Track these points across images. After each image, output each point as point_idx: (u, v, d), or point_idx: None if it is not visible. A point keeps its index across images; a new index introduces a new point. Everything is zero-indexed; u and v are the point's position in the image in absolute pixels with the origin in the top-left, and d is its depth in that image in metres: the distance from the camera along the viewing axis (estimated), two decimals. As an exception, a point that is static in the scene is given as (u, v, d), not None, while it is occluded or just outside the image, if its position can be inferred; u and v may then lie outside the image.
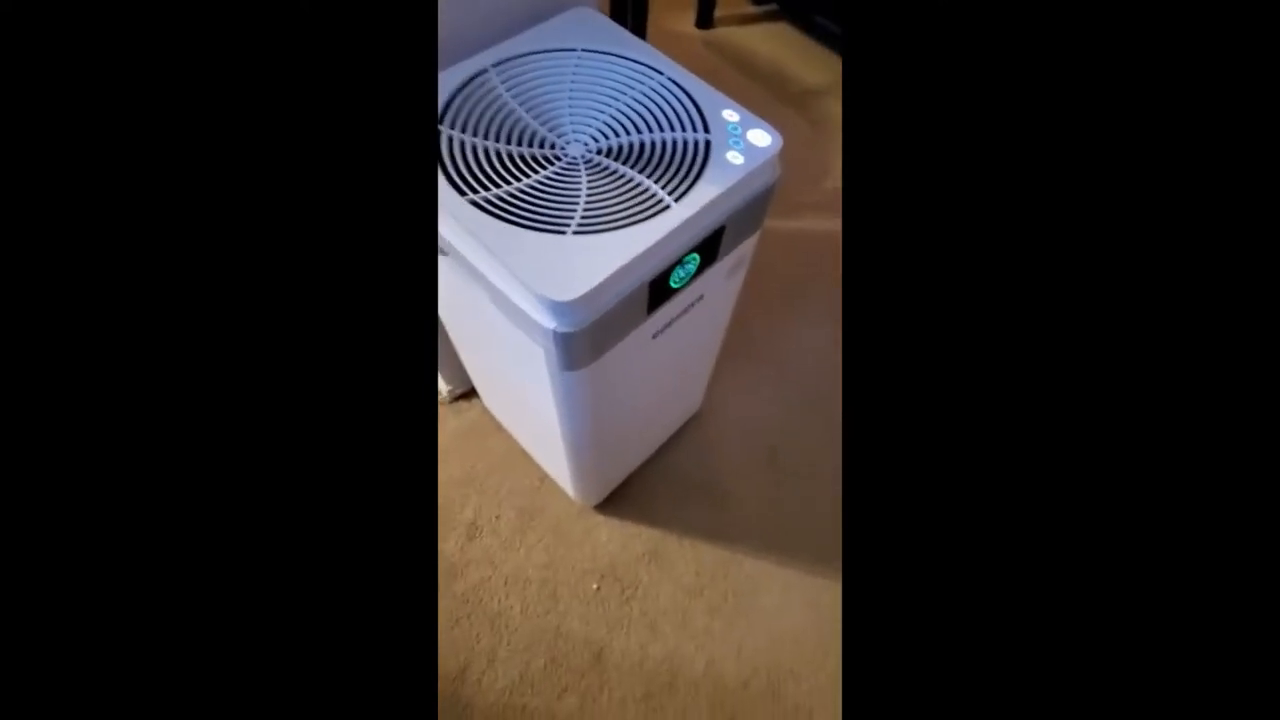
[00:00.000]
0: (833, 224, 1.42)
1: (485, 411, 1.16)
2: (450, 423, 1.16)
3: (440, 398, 1.17)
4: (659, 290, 0.59)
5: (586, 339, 0.55)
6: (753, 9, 1.88)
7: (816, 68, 1.70)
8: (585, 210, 0.55)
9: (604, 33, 0.69)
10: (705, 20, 1.80)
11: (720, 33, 1.82)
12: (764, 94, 1.65)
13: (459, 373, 1.08)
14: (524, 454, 1.12)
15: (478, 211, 0.54)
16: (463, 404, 1.18)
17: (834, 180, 1.48)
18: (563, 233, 0.53)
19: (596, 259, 0.52)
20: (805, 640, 0.98)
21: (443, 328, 0.92)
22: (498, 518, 1.07)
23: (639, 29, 1.36)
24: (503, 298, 0.56)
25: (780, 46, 1.76)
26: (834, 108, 1.60)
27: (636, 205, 0.55)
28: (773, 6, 1.87)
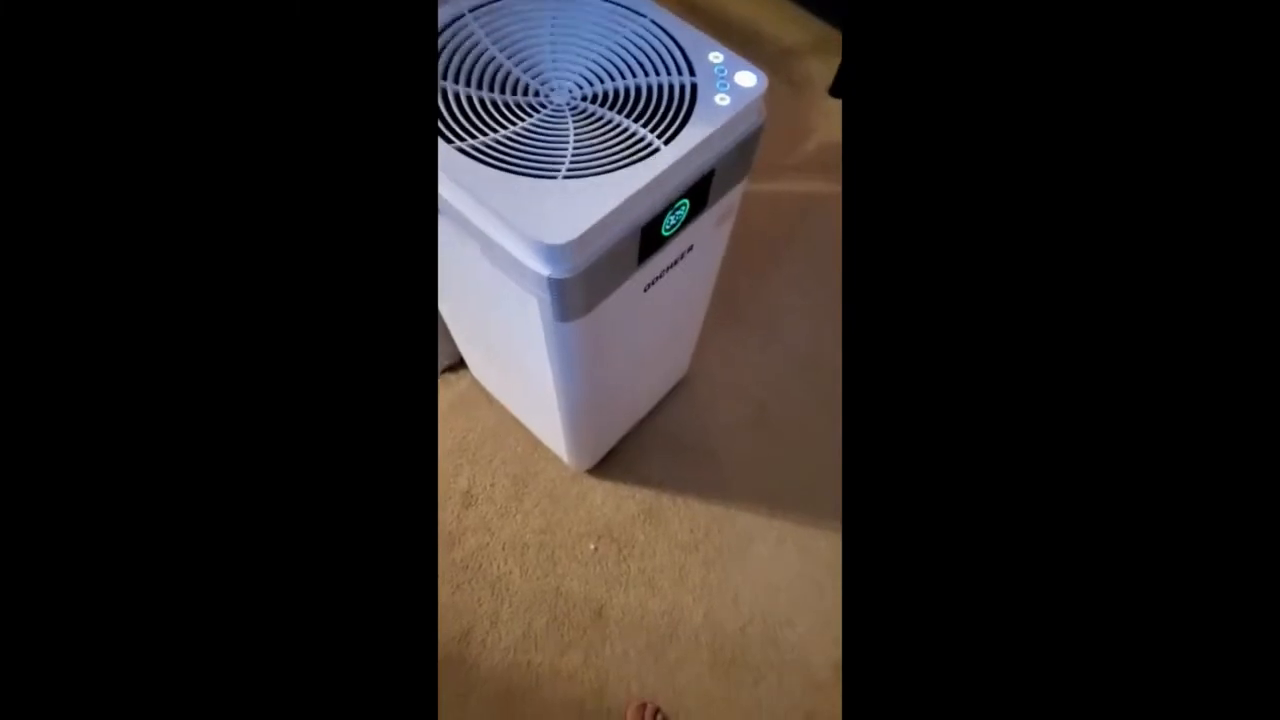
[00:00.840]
0: (814, 185, 1.42)
1: (475, 383, 1.16)
2: (441, 395, 1.16)
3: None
4: (650, 237, 0.59)
5: (580, 286, 0.55)
6: (726, -30, 1.85)
7: (793, 28, 1.69)
8: (574, 155, 0.55)
9: (583, -21, 0.67)
10: (679, -18, 1.77)
11: (694, -6, 1.79)
12: (741, 54, 1.64)
13: (448, 345, 1.08)
14: (516, 423, 1.12)
15: (466, 159, 0.53)
16: (451, 376, 1.17)
17: (814, 141, 1.48)
18: (553, 177, 0.53)
19: (588, 202, 0.51)
20: (799, 587, 1.00)
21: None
22: (492, 485, 1.08)
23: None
24: (496, 248, 0.55)
25: (756, 6, 1.74)
26: (812, 68, 1.59)
27: (626, 149, 0.55)
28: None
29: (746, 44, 1.66)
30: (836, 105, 1.52)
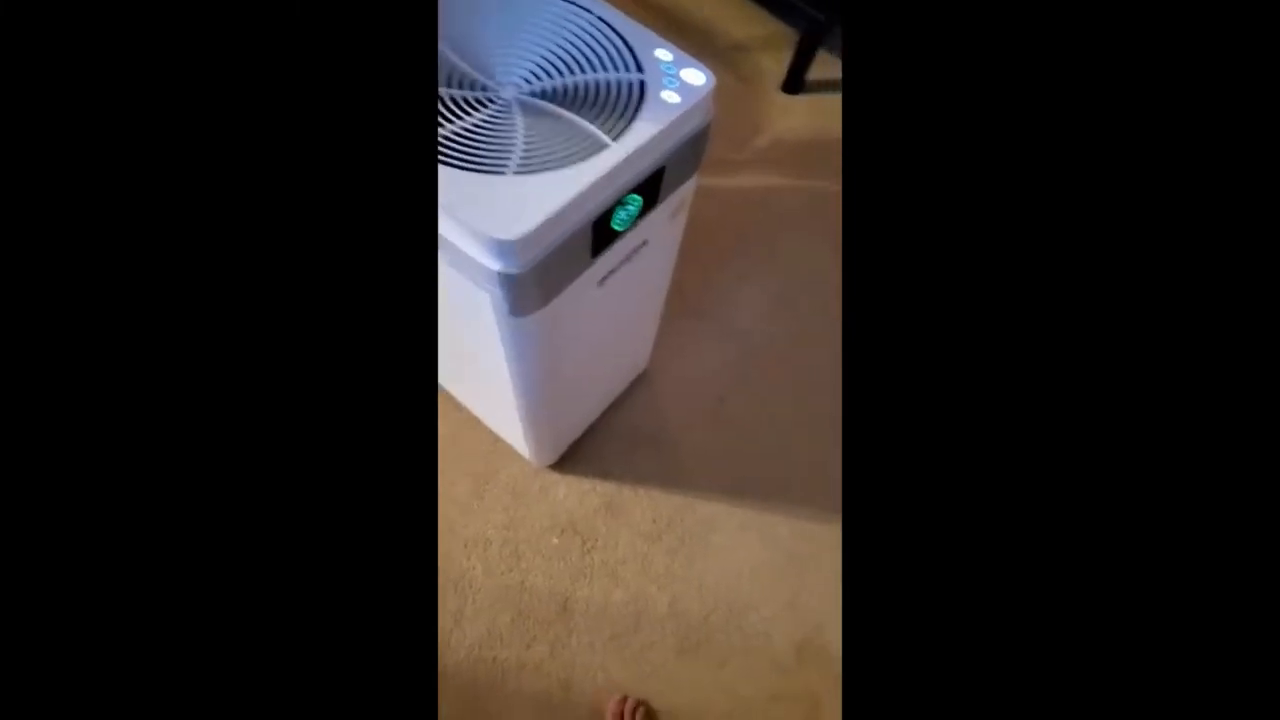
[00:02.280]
0: (765, 180, 1.45)
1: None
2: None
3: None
4: (602, 232, 0.60)
5: (532, 281, 0.56)
6: (677, -35, 1.86)
7: (745, 24, 1.71)
8: (524, 151, 0.55)
9: (530, -25, 0.67)
10: (630, -23, 1.77)
11: (646, -11, 1.80)
12: (693, 49, 1.65)
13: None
14: (476, 422, 1.11)
15: (413, 155, 0.53)
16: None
17: (765, 137, 1.50)
18: (503, 173, 0.53)
19: (538, 197, 0.52)
20: (761, 572, 1.03)
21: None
22: (453, 484, 1.07)
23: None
24: (447, 244, 0.55)
25: (708, 2, 1.76)
26: (764, 62, 1.62)
27: (575, 145, 0.55)
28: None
29: (698, 39, 1.67)
30: (788, 101, 1.55)
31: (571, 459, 1.10)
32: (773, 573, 1.03)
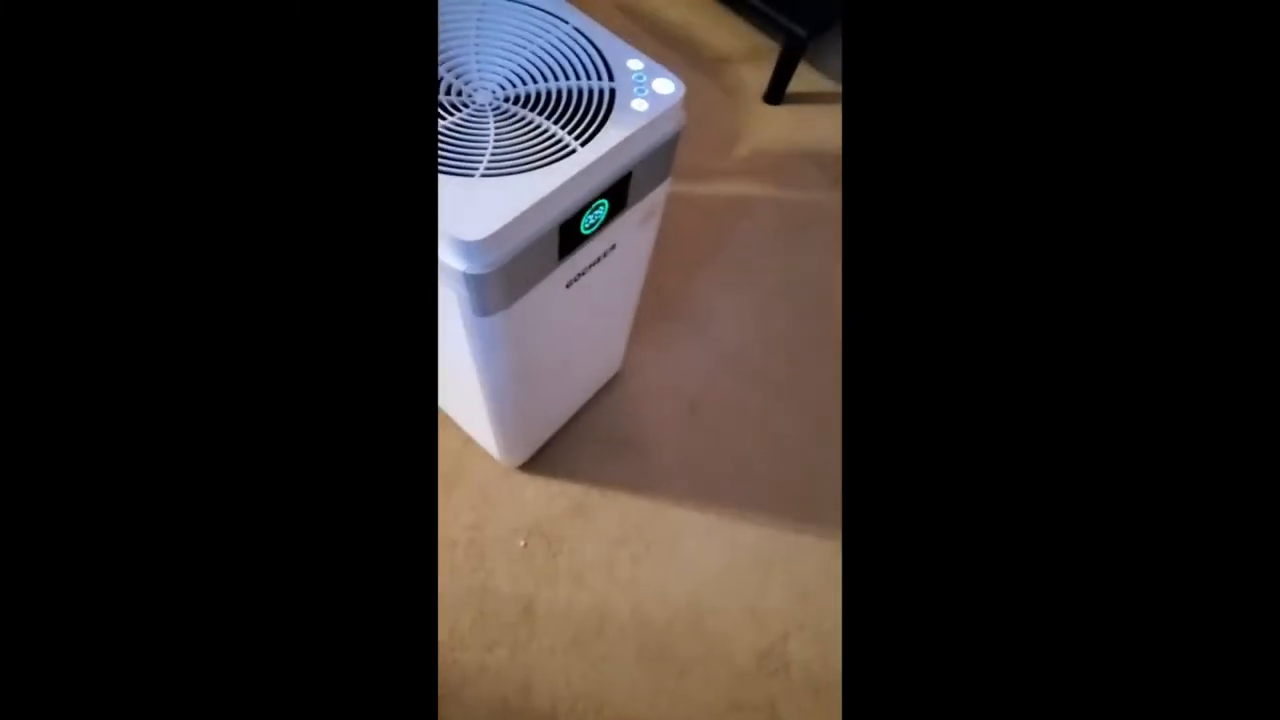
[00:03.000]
0: (744, 188, 1.47)
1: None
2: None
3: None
4: (569, 235, 0.60)
5: (497, 282, 0.56)
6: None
7: (728, 34, 1.73)
8: (493, 155, 0.55)
9: (508, -20, 0.68)
10: (618, -15, 1.79)
11: (634, -2, 1.82)
12: (676, 60, 1.67)
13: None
14: (447, 420, 1.11)
15: (381, 153, 0.53)
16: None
17: (745, 147, 1.52)
18: (470, 175, 0.54)
19: (504, 200, 0.52)
20: (725, 579, 1.03)
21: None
22: (421, 483, 1.06)
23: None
24: (411, 242, 0.55)
25: (692, 13, 1.78)
26: (746, 74, 1.64)
27: (543, 149, 0.56)
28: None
29: (685, 51, 1.69)
30: (769, 111, 1.57)
31: (542, 460, 1.10)
32: (736, 580, 1.04)
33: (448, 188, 0.53)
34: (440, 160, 0.54)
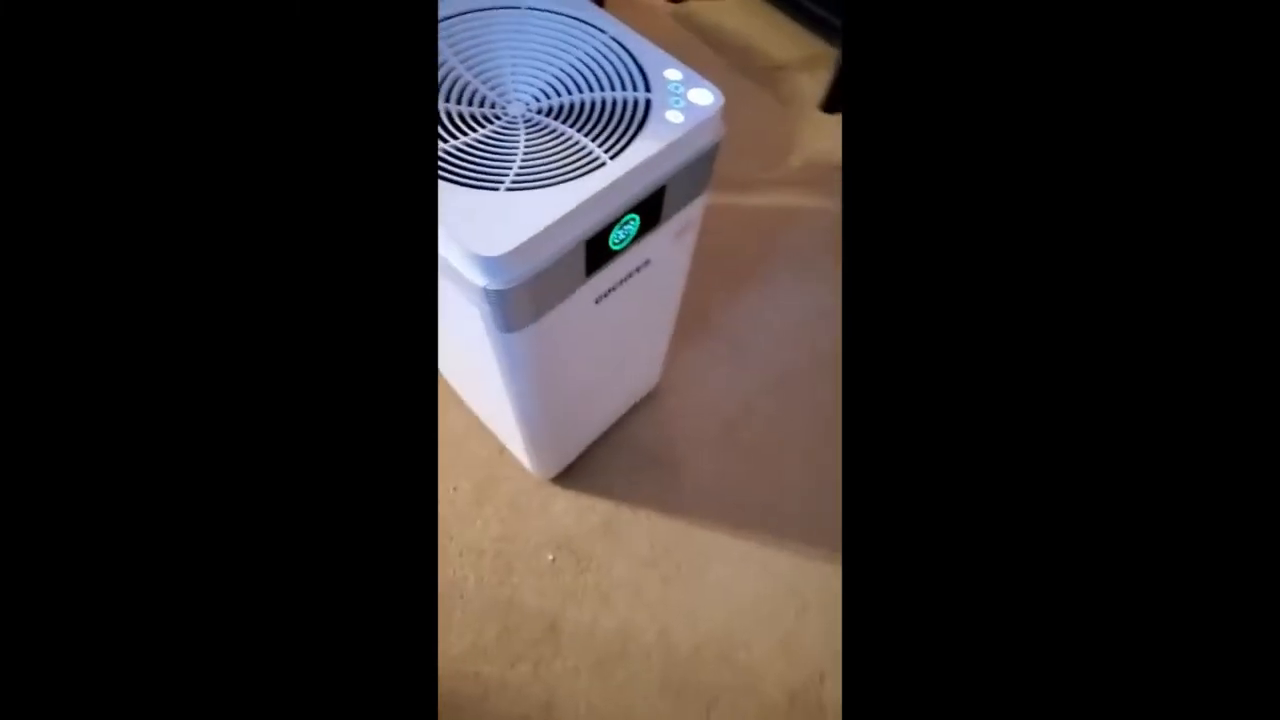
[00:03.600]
0: (796, 200, 1.42)
1: (445, 385, 1.15)
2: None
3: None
4: (597, 250, 0.58)
5: (521, 298, 0.54)
6: (724, -17, 1.85)
7: (785, 43, 1.69)
8: (520, 168, 0.54)
9: (549, -10, 0.67)
10: (675, -7, 1.77)
11: (690, 6, 1.80)
12: (732, 69, 1.64)
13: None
14: (483, 426, 1.11)
15: (408, 166, 0.53)
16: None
17: (799, 157, 1.47)
18: (496, 189, 0.52)
19: (527, 215, 0.51)
20: (757, 608, 0.99)
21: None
22: (455, 489, 1.07)
23: (603, -2, 1.33)
24: (443, 260, 0.54)
25: (750, 21, 1.74)
26: (802, 83, 1.59)
27: (571, 162, 0.54)
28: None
29: (738, 60, 1.66)
30: (825, 120, 1.52)
31: (575, 473, 1.08)
32: (769, 610, 0.99)
33: (470, 202, 0.51)
34: (467, 174, 0.53)
